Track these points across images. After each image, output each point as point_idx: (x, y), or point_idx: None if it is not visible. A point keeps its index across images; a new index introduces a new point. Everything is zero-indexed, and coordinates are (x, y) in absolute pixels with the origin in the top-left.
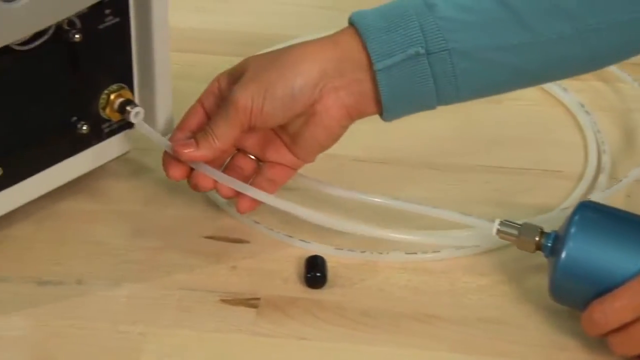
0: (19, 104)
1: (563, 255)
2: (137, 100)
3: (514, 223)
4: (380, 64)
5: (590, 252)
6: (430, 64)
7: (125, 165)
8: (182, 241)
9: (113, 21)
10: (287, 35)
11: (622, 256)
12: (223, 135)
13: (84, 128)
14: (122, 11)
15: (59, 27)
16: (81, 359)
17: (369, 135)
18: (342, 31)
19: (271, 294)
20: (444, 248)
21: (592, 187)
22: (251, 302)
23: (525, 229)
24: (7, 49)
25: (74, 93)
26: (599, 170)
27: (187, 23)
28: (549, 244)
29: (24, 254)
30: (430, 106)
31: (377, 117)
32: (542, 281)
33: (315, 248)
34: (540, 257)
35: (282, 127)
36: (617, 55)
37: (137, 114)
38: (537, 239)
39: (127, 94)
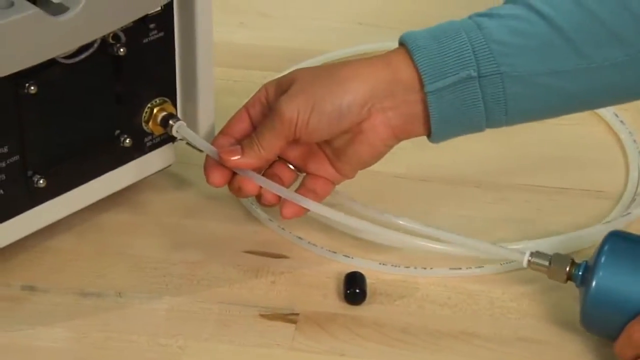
0: (64, 116)
1: (593, 284)
2: (179, 115)
3: (545, 254)
4: (432, 85)
5: (621, 281)
6: (481, 87)
7: (166, 178)
8: (222, 255)
9: (157, 35)
10: (328, 51)
11: None
12: (268, 146)
13: (127, 141)
14: (167, 26)
15: (103, 41)
16: None
17: (410, 152)
18: (393, 51)
19: (310, 310)
20: (487, 263)
21: (631, 206)
22: (290, 318)
23: (556, 260)
24: (53, 61)
25: (117, 106)
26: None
27: (229, 38)
28: (580, 274)
29: (66, 265)
30: (478, 129)
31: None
32: None
33: (358, 263)
34: None
35: (327, 142)
36: None
37: (179, 127)
38: (567, 269)
39: (170, 108)
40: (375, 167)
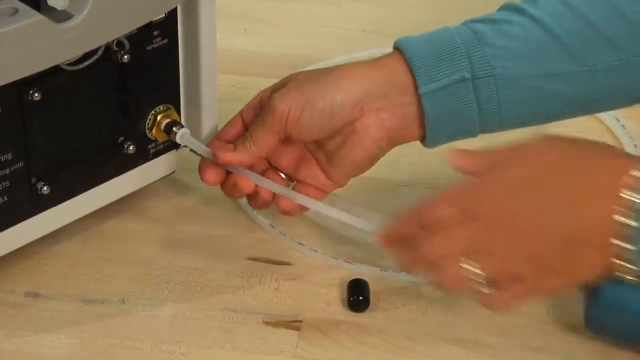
0: (67, 123)
1: (597, 289)
2: (183, 122)
3: None
4: (426, 87)
5: (624, 285)
6: (475, 89)
7: (170, 185)
8: (226, 262)
9: (161, 42)
10: (333, 58)
11: None
12: (259, 141)
13: (131, 148)
14: (171, 33)
15: (107, 47)
16: None
17: (413, 160)
18: (387, 55)
19: (313, 317)
20: None
21: None
22: (293, 325)
23: None
24: (57, 68)
25: (121, 113)
26: None
27: (233, 45)
28: None
29: (70, 272)
30: (472, 133)
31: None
32: None
33: (361, 270)
34: None
35: (319, 145)
36: None
37: (182, 134)
38: None
39: (173, 114)
40: (377, 174)
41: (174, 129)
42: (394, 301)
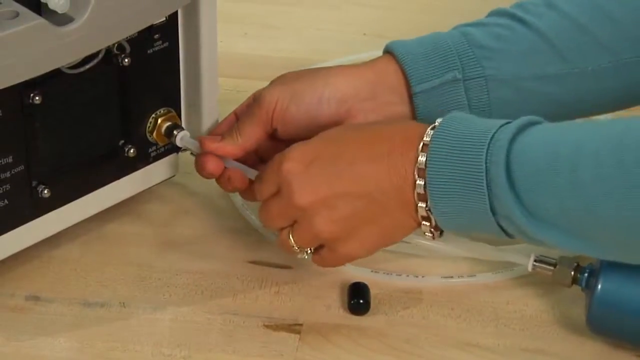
0: (68, 126)
1: (598, 287)
2: (184, 125)
3: (549, 258)
4: (419, 87)
5: (625, 283)
6: (466, 89)
7: (171, 189)
8: (226, 266)
9: (162, 46)
10: (332, 61)
11: None
12: (246, 132)
13: (131, 151)
14: (171, 36)
15: (108, 51)
16: None
17: None
18: (378, 58)
19: (314, 320)
20: (492, 271)
21: None
22: (294, 328)
23: (561, 264)
24: (57, 72)
25: (121, 117)
26: None
27: (234, 48)
28: (585, 277)
29: (70, 275)
30: None
31: None
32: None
33: (362, 273)
34: None
35: None
36: None
37: (182, 136)
38: (572, 273)
39: (174, 118)
40: None
41: (175, 132)
42: (394, 304)
